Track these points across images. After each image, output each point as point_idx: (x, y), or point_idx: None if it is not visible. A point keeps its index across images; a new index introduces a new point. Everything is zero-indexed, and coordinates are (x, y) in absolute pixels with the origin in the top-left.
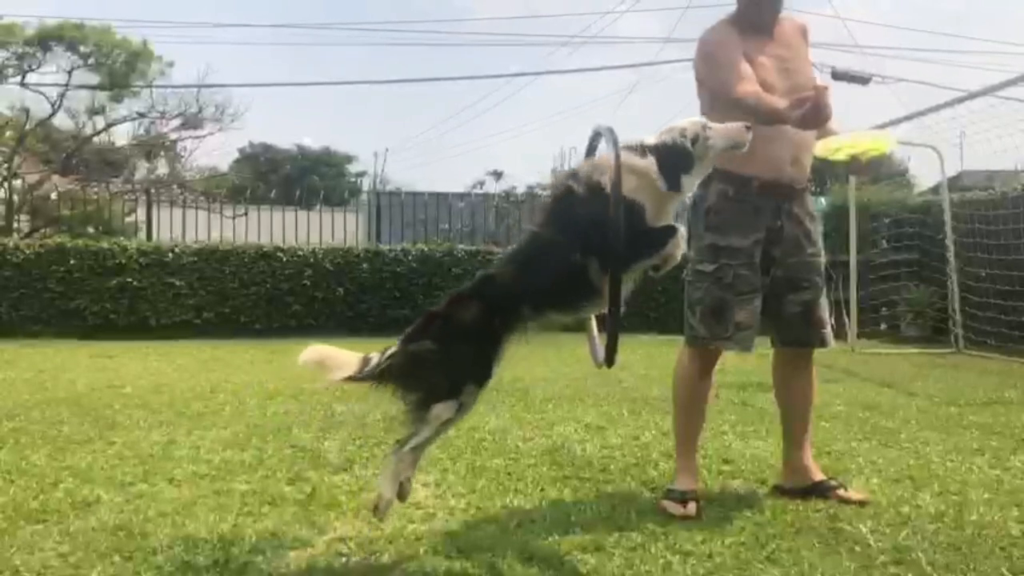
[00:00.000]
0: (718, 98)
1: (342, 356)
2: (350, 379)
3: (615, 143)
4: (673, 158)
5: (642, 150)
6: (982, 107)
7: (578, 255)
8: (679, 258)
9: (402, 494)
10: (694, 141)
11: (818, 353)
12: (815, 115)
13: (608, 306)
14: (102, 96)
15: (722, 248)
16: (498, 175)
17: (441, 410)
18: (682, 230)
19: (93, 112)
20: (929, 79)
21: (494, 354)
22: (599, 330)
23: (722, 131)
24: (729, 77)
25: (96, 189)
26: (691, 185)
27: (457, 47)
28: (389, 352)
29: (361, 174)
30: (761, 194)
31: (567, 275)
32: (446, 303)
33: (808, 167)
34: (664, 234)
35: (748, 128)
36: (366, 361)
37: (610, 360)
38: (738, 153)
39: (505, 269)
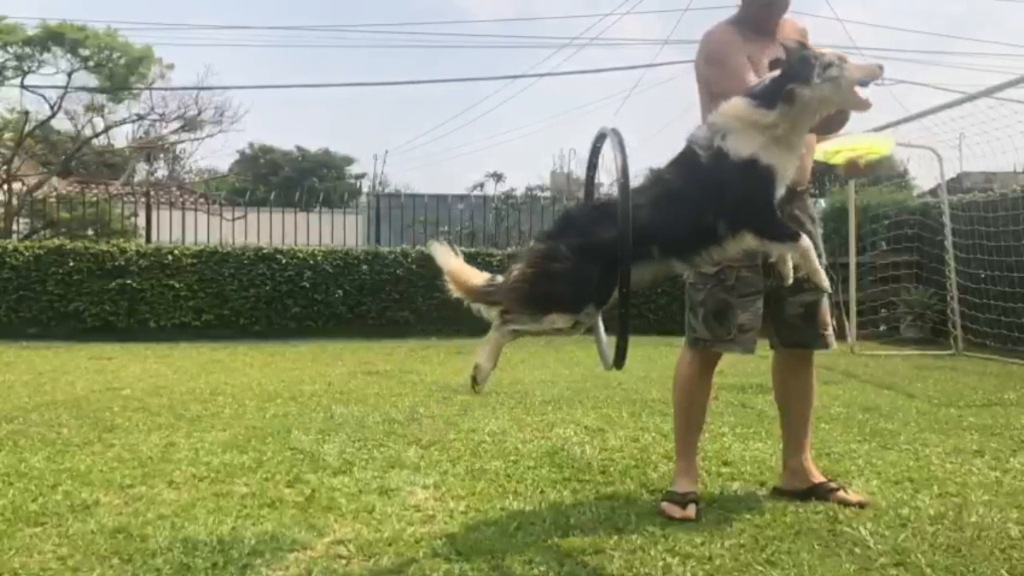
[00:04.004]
0: (720, 101)
1: (472, 272)
2: (473, 293)
3: (621, 145)
4: (793, 69)
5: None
6: (981, 109)
7: (710, 214)
8: (787, 276)
9: (481, 374)
10: (827, 65)
11: (818, 355)
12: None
13: (619, 308)
14: (101, 98)
15: None
16: (498, 177)
17: (557, 319)
18: (805, 242)
19: (92, 109)
20: (928, 81)
21: (615, 283)
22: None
23: (857, 66)
24: (735, 88)
25: (95, 191)
26: (803, 100)
27: (457, 49)
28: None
29: (361, 176)
30: None
31: (699, 229)
32: (587, 216)
33: (809, 169)
34: (783, 231)
35: (881, 68)
36: (492, 280)
37: (620, 362)
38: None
39: (641, 208)
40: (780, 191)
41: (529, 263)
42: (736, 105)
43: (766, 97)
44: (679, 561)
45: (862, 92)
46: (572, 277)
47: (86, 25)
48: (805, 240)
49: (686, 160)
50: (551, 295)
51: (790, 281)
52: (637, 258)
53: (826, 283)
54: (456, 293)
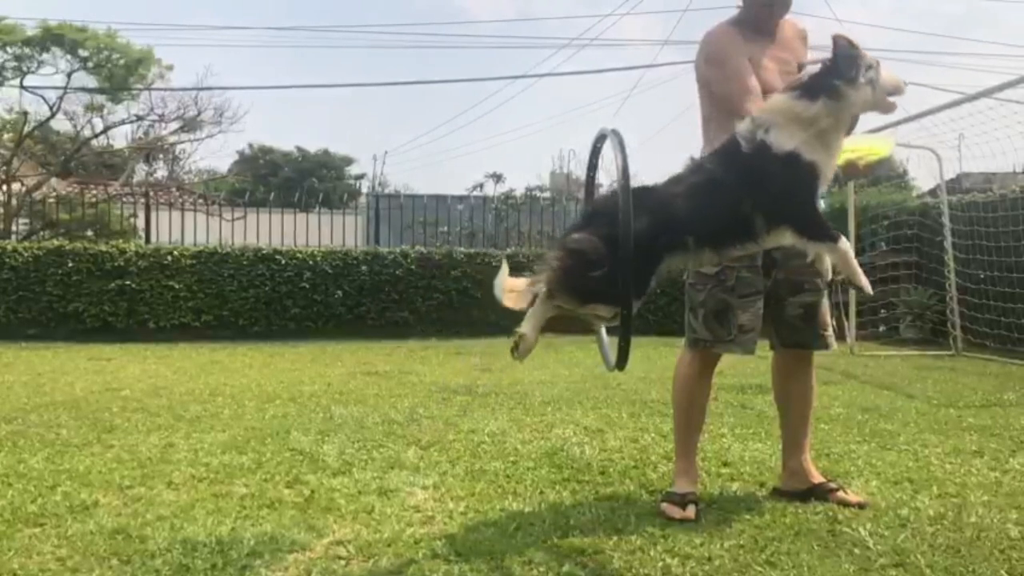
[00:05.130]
0: (721, 102)
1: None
2: (522, 291)
3: (621, 146)
4: (839, 66)
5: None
6: (981, 109)
7: (748, 206)
8: (826, 272)
9: (525, 344)
10: (868, 67)
11: (817, 355)
12: None
13: (619, 308)
14: (101, 99)
15: None
16: (497, 178)
17: (598, 308)
18: (844, 244)
19: (92, 109)
20: (928, 81)
21: (653, 272)
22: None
23: (889, 73)
24: (737, 90)
25: (95, 192)
26: (848, 98)
27: (457, 50)
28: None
29: (360, 177)
30: None
31: (736, 221)
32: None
33: None
34: (824, 230)
35: (906, 84)
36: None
37: (622, 364)
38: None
39: (677, 197)
40: (822, 189)
41: (564, 255)
42: (778, 100)
43: (808, 90)
44: (678, 562)
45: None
46: (608, 270)
47: (86, 26)
48: (844, 241)
49: (728, 151)
50: (589, 288)
51: (829, 278)
52: (672, 247)
53: (867, 285)
54: (509, 303)
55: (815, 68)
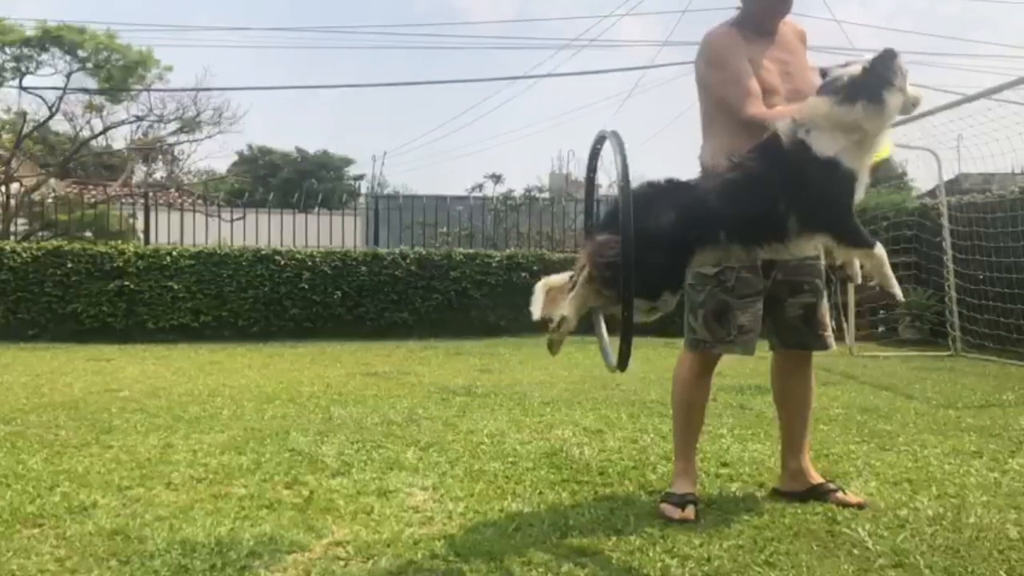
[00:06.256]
0: (722, 104)
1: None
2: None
3: (620, 148)
4: (883, 72)
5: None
6: (980, 110)
7: (784, 206)
8: (856, 277)
9: (566, 326)
10: (904, 74)
11: (816, 356)
12: None
13: (620, 308)
14: (100, 99)
15: None
16: (497, 178)
17: (638, 301)
18: (880, 250)
19: (91, 109)
20: (927, 82)
21: (686, 265)
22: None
23: (911, 87)
24: (738, 92)
25: (94, 192)
26: (888, 105)
27: (456, 50)
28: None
29: (359, 177)
30: None
31: (769, 219)
32: (640, 201)
33: None
34: (861, 237)
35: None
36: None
37: (623, 364)
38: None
39: (713, 193)
40: (859, 196)
41: (595, 256)
42: (820, 103)
43: (847, 94)
44: (678, 562)
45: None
46: (637, 271)
47: (85, 26)
48: (880, 247)
49: (768, 149)
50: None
51: (859, 281)
52: (704, 241)
53: (899, 292)
54: (545, 310)
55: (848, 69)
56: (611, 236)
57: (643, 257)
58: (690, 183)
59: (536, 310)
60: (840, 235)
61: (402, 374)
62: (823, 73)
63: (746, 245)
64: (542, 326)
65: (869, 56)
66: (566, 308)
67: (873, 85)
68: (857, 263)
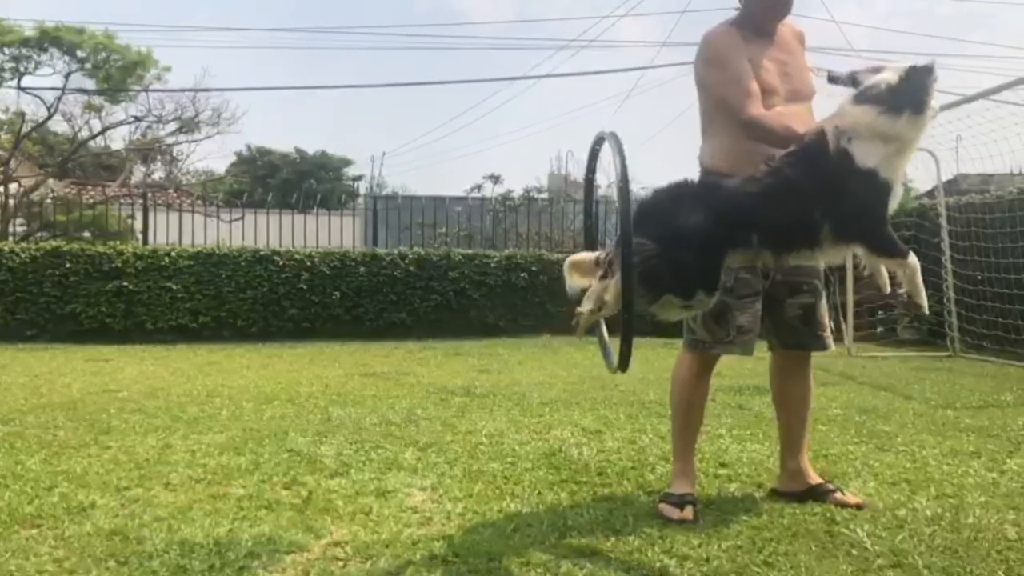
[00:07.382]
0: (721, 104)
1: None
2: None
3: (619, 149)
4: (924, 81)
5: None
6: (978, 111)
7: (819, 213)
8: (884, 286)
9: (605, 311)
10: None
11: (815, 356)
12: None
13: (621, 309)
14: (98, 100)
15: None
16: (495, 179)
17: (671, 298)
18: (913, 260)
19: (90, 109)
20: None
21: (721, 266)
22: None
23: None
24: (738, 92)
25: (92, 193)
26: (928, 114)
27: (455, 51)
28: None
29: (358, 178)
30: None
31: (803, 226)
32: (664, 202)
33: None
34: (896, 247)
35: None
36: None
37: (624, 365)
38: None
39: (749, 196)
40: (893, 206)
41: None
42: (861, 112)
43: (891, 103)
44: (676, 563)
45: None
46: (670, 270)
47: (84, 27)
48: (914, 257)
49: (809, 155)
50: (657, 287)
51: (887, 291)
52: (736, 243)
53: (926, 305)
54: (576, 280)
55: (883, 77)
56: (640, 240)
57: (675, 256)
58: (724, 184)
59: (572, 286)
60: (874, 245)
61: (401, 374)
62: (830, 78)
63: (777, 250)
64: (544, 325)
65: (897, 61)
66: (609, 294)
67: (916, 96)
68: (885, 271)
